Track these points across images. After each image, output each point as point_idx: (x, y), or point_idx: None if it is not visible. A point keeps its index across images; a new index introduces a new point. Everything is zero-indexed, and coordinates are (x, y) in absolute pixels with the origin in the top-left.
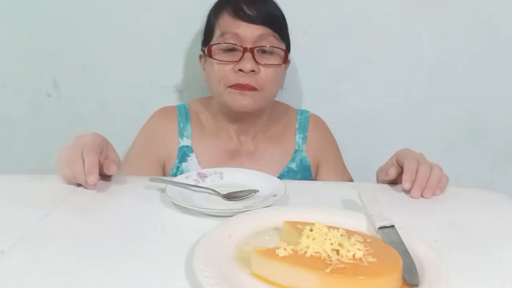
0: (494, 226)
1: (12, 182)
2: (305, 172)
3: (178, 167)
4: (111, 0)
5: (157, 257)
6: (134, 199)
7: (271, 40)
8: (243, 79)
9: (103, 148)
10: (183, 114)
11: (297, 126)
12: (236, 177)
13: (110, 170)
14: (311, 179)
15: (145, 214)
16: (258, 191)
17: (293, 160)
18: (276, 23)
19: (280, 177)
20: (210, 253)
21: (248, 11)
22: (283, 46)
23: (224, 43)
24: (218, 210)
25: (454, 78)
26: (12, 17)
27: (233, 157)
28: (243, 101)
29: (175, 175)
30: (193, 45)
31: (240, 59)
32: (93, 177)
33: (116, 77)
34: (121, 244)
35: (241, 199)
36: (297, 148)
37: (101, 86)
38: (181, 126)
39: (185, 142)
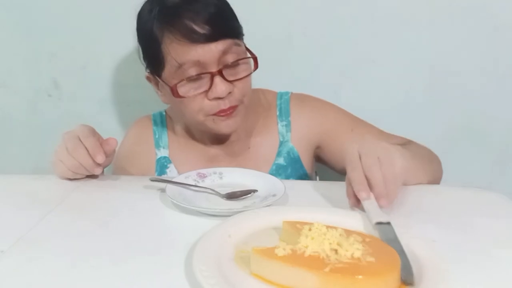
0: (494, 226)
1: (12, 182)
2: (295, 165)
3: None
4: (111, 0)
5: (157, 257)
6: (134, 199)
7: (234, 51)
8: (224, 104)
9: (95, 134)
10: (159, 123)
11: (277, 114)
12: (235, 177)
13: (110, 143)
14: (303, 173)
15: (145, 214)
16: (257, 191)
17: (279, 154)
18: (230, 25)
19: None
20: (210, 253)
21: (199, 29)
22: (245, 50)
23: (187, 78)
24: (218, 210)
25: (454, 78)
26: (12, 17)
27: (214, 163)
28: (229, 125)
29: None
30: None
31: (210, 86)
32: (101, 156)
33: (116, 77)
34: (120, 244)
35: (240, 199)
36: (281, 139)
37: (101, 86)
38: (157, 136)
39: (162, 153)
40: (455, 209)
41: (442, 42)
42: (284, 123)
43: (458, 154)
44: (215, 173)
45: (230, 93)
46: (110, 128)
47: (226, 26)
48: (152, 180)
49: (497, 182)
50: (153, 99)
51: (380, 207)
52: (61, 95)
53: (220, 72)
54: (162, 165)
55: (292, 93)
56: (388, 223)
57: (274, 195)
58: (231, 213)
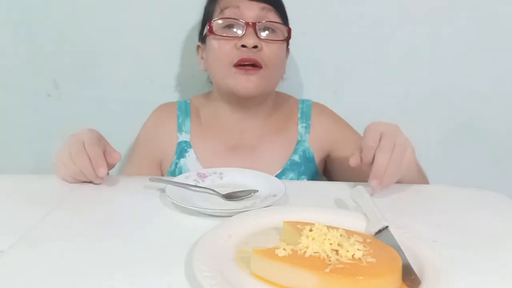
0: (494, 226)
1: (12, 182)
2: (308, 164)
3: (176, 164)
4: (111, 0)
5: (157, 257)
6: (134, 199)
7: (273, 16)
8: (248, 53)
9: (101, 141)
10: (183, 108)
11: (299, 116)
12: (235, 177)
13: (113, 157)
14: (315, 172)
15: (145, 214)
16: (257, 191)
17: (295, 152)
18: (278, 1)
19: (284, 170)
20: (210, 253)
21: None
22: (285, 24)
23: (225, 18)
24: (218, 210)
25: (454, 78)
26: (12, 17)
27: (233, 153)
28: (248, 83)
29: (173, 172)
30: (193, 44)
31: (242, 35)
32: (103, 170)
33: (116, 77)
34: (121, 244)
35: (241, 199)
36: (299, 138)
37: (101, 86)
38: (180, 120)
39: (184, 137)
40: (455, 209)
41: (442, 42)
42: (304, 125)
43: (458, 154)
44: (215, 173)
45: (256, 48)
46: (110, 128)
47: None
48: (152, 180)
49: (497, 182)
50: (153, 99)
51: (372, 188)
52: (61, 95)
53: (253, 25)
54: (182, 149)
55: (312, 101)
56: (386, 228)
57: (274, 195)
58: (231, 214)
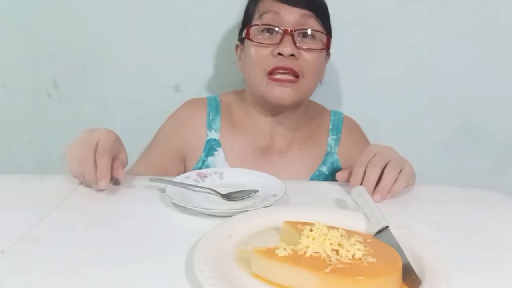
0: (494, 226)
1: (12, 182)
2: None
3: (204, 161)
4: (111, 0)
5: (157, 257)
6: (134, 199)
7: (313, 23)
8: (284, 62)
9: (114, 147)
10: (213, 105)
11: (330, 127)
12: (236, 177)
13: (119, 174)
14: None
15: (145, 214)
16: (258, 191)
17: (324, 163)
18: (319, 7)
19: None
20: (210, 253)
21: None
22: (325, 32)
23: (262, 24)
24: (218, 210)
25: (454, 78)
26: (12, 17)
27: (263, 155)
28: (281, 93)
29: (200, 169)
30: (193, 45)
31: (279, 42)
32: (105, 183)
33: (116, 77)
34: (121, 244)
35: (241, 199)
36: (329, 150)
37: (101, 86)
38: (210, 117)
39: (213, 135)
40: (455, 209)
41: (442, 42)
42: (334, 137)
43: (458, 154)
44: (215, 173)
45: (293, 57)
46: (110, 128)
47: (314, 2)
48: (152, 180)
49: (497, 182)
50: (153, 99)
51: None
52: (61, 95)
53: (291, 33)
54: (211, 147)
55: (345, 114)
56: (386, 228)
57: (274, 195)
58: (231, 214)
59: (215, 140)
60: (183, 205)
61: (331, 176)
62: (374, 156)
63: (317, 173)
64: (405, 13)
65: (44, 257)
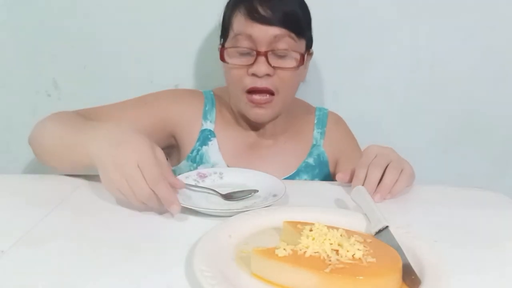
0: (494, 226)
1: (12, 182)
2: (323, 168)
3: (198, 150)
4: (111, 0)
5: (157, 257)
6: None
7: (286, 42)
8: (260, 83)
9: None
10: (209, 98)
11: (315, 122)
12: (236, 177)
13: (177, 185)
14: (328, 175)
15: (145, 214)
16: (258, 191)
17: (310, 155)
18: (294, 23)
19: (298, 172)
20: (210, 253)
21: (262, 12)
22: (301, 46)
23: (236, 46)
24: (218, 210)
25: (454, 78)
26: (12, 17)
27: (251, 151)
28: (259, 115)
29: (194, 158)
30: (193, 45)
31: (253, 63)
32: (177, 206)
33: (116, 77)
34: (121, 244)
35: (241, 199)
36: (314, 142)
37: (101, 86)
38: (207, 108)
39: (208, 125)
40: (455, 209)
41: (442, 42)
42: (320, 130)
43: (458, 154)
44: (215, 173)
45: (269, 76)
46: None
47: (288, 18)
48: None
49: (497, 182)
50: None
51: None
52: (61, 95)
53: (265, 54)
54: (205, 137)
55: (329, 110)
56: (386, 228)
57: (274, 195)
58: (231, 214)
59: (210, 130)
60: (183, 205)
61: (318, 168)
62: (375, 157)
63: (303, 164)
64: (405, 13)
65: (44, 257)
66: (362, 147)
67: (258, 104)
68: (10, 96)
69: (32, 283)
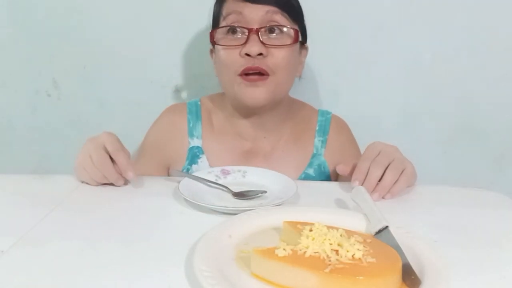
0: (494, 226)
1: (12, 182)
2: (324, 179)
3: (188, 169)
4: (111, 0)
5: (157, 257)
6: (134, 199)
7: (279, 19)
8: (253, 62)
9: (124, 147)
10: (193, 112)
11: (317, 128)
12: (257, 176)
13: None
14: None
15: (145, 214)
16: (266, 192)
17: (310, 165)
18: (286, 2)
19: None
20: (210, 253)
21: None
22: (295, 27)
23: (226, 25)
24: (220, 207)
25: (454, 78)
26: (12, 17)
27: (246, 159)
28: (254, 93)
29: None
30: (193, 45)
31: (245, 42)
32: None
33: (116, 77)
34: (120, 244)
35: (248, 199)
36: (315, 152)
37: (101, 86)
38: (191, 125)
39: (195, 142)
40: (455, 209)
41: (441, 42)
42: (321, 138)
43: (458, 154)
44: (239, 171)
45: (262, 55)
46: (110, 128)
47: None
48: (172, 175)
49: (497, 182)
50: (153, 99)
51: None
52: (61, 95)
53: (257, 31)
54: (194, 155)
55: (333, 114)
56: (386, 228)
57: (281, 198)
58: (231, 212)
59: (197, 147)
60: (184, 196)
61: (318, 179)
62: (378, 154)
63: (303, 175)
64: (405, 14)
65: (44, 257)
66: (362, 148)
67: (252, 82)
68: (10, 96)
69: (32, 283)
